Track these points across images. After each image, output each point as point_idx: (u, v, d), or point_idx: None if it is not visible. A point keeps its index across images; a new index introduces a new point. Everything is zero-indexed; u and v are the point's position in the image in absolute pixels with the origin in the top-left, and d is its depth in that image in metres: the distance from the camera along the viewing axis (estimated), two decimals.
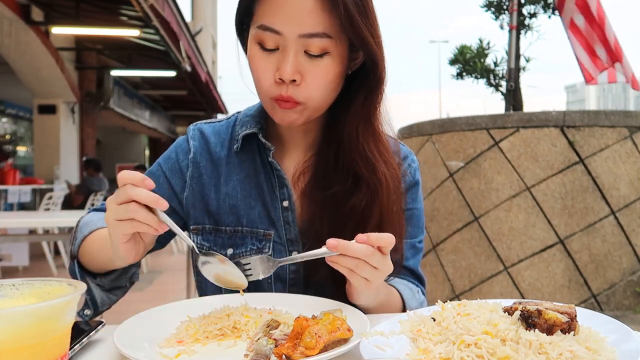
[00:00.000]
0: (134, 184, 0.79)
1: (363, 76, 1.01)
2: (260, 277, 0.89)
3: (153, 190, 0.93)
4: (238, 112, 1.18)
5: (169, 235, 1.12)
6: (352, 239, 0.83)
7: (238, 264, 0.88)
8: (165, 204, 0.79)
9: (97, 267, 1.02)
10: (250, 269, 0.89)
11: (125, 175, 0.80)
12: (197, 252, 0.88)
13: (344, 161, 1.03)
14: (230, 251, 1.07)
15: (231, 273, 0.88)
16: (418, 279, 1.18)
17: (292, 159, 1.11)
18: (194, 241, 1.10)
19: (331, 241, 0.82)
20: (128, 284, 1.07)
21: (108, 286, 1.04)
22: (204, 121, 1.19)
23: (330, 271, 0.87)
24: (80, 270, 1.03)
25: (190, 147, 1.13)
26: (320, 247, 0.85)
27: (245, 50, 1.04)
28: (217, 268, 0.88)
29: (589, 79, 4.46)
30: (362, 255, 0.82)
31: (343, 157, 1.03)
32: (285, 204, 1.07)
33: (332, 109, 1.03)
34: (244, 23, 1.01)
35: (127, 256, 0.86)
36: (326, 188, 1.03)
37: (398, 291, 1.07)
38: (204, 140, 1.13)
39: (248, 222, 1.07)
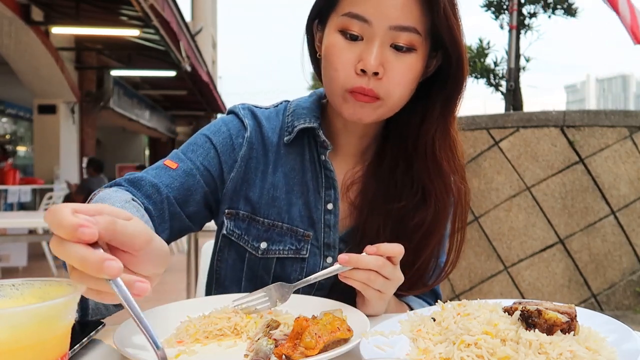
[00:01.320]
0: (64, 238, 0.51)
1: (439, 83, 0.97)
2: (278, 304, 0.87)
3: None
4: (286, 101, 1.12)
5: (205, 216, 1.04)
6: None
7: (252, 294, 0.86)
8: (116, 270, 0.51)
9: None
10: (266, 298, 0.87)
11: (50, 221, 0.51)
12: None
13: (414, 174, 0.99)
14: (264, 245, 1.01)
15: None
16: (435, 298, 1.15)
17: (342, 164, 1.06)
18: (226, 227, 1.03)
19: (343, 256, 0.83)
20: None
21: None
22: (250, 103, 1.12)
23: None
24: None
25: (245, 125, 1.04)
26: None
27: (310, 46, 1.02)
28: None
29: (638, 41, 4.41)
30: (374, 266, 0.83)
31: (415, 170, 0.99)
32: (330, 206, 1.02)
33: (394, 119, 0.99)
34: (320, 14, 0.97)
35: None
36: (389, 200, 1.00)
37: (411, 308, 1.07)
38: (257, 122, 1.06)
39: (289, 219, 1.02)
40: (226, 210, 1.03)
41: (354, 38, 0.89)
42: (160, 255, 0.63)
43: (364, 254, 0.84)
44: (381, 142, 1.05)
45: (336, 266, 0.84)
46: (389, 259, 0.85)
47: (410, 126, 1.00)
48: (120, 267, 0.52)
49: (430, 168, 0.98)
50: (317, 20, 0.99)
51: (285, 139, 1.04)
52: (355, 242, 1.02)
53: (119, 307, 0.85)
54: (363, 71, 0.88)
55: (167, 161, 1.00)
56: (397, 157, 1.01)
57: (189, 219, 1.01)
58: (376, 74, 0.88)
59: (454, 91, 0.96)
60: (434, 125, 0.97)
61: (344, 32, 0.90)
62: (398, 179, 1.01)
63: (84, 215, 0.52)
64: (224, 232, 1.04)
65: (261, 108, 1.10)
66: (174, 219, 0.98)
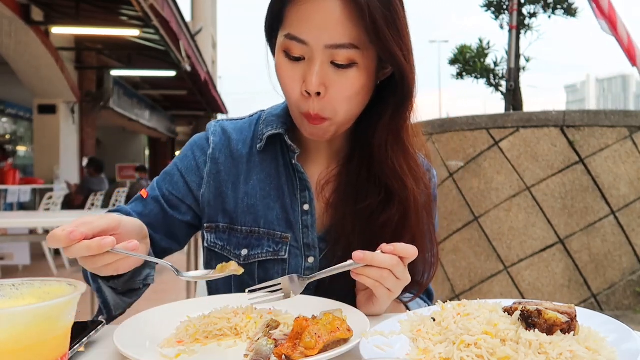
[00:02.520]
0: (64, 246, 0.75)
1: (391, 89, 0.97)
2: (292, 296, 0.88)
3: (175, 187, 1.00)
4: (262, 111, 1.15)
5: (187, 233, 1.13)
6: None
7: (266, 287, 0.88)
8: (111, 241, 0.76)
9: None
10: (281, 289, 0.88)
11: (51, 243, 0.76)
12: (176, 271, 0.87)
13: (376, 174, 1.01)
14: (245, 252, 1.05)
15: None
16: (428, 295, 1.17)
17: (315, 166, 1.09)
18: (207, 240, 1.09)
19: (357, 254, 0.83)
20: (142, 286, 1.02)
21: (122, 288, 0.98)
22: (227, 118, 1.16)
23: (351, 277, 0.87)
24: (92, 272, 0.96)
25: (209, 143, 1.10)
26: (344, 256, 0.85)
27: (274, 53, 1.02)
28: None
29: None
30: (389, 265, 0.83)
31: (375, 170, 1.01)
32: (306, 207, 1.05)
33: (361, 120, 1.00)
34: (273, 29, 0.98)
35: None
36: (358, 200, 1.01)
37: (407, 307, 1.08)
38: (226, 137, 1.11)
39: (265, 224, 1.05)
40: (205, 225, 1.09)
41: (296, 58, 0.91)
42: (135, 226, 0.90)
43: (378, 252, 0.84)
44: (352, 143, 1.07)
45: (349, 262, 0.84)
46: (401, 259, 0.85)
47: (369, 129, 1.02)
48: (113, 239, 0.77)
49: (387, 171, 0.99)
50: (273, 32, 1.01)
51: (258, 146, 1.08)
52: (331, 241, 1.04)
53: (133, 297, 1.04)
54: (308, 92, 0.90)
55: (142, 191, 1.11)
56: (361, 158, 1.03)
57: (169, 239, 1.10)
58: (319, 94, 0.90)
59: (403, 99, 0.96)
60: (385, 131, 0.99)
61: (287, 53, 0.92)
62: (364, 179, 1.02)
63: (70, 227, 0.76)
64: (206, 244, 1.09)
65: (235, 120, 1.15)
66: (151, 243, 1.04)
